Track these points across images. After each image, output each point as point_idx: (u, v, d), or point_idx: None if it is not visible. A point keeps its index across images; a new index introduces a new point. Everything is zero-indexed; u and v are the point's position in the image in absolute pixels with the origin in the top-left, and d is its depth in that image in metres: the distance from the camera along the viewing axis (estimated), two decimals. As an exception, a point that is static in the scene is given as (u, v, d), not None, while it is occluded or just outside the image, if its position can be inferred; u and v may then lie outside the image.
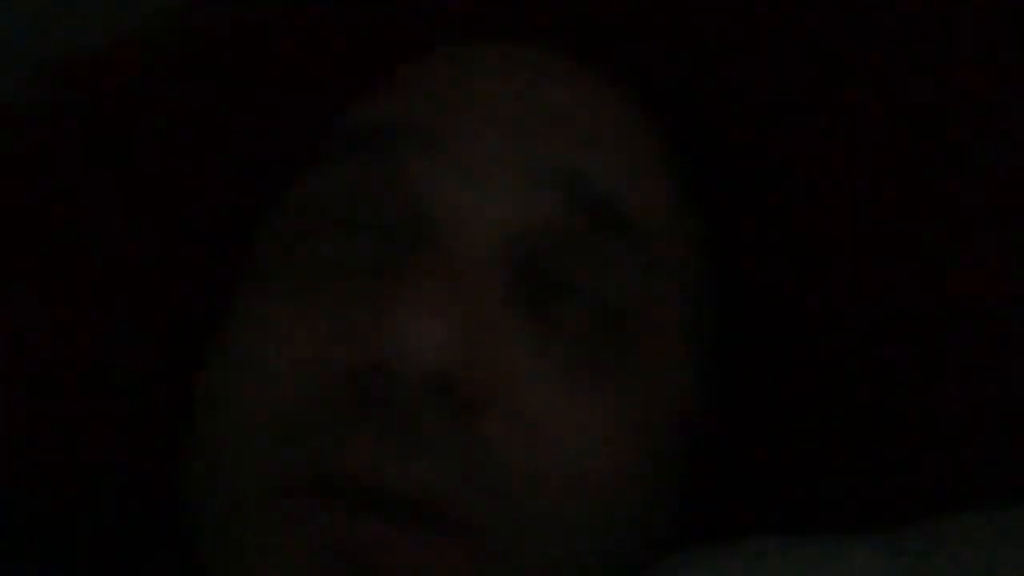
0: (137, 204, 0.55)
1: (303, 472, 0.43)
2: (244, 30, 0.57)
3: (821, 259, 0.51)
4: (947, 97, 0.50)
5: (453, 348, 0.41)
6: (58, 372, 0.53)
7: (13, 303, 0.54)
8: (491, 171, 0.46)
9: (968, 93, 0.50)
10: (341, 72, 0.54)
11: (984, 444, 0.48)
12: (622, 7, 0.53)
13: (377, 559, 0.41)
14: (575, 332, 0.45)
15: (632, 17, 0.53)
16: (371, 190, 0.46)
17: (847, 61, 0.51)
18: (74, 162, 0.56)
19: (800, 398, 0.51)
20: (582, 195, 0.46)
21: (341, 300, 0.45)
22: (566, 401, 0.44)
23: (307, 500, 0.42)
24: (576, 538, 0.44)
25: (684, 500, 0.49)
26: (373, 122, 0.48)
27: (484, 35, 0.52)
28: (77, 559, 0.52)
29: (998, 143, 0.49)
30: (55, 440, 0.53)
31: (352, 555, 0.41)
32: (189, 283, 0.55)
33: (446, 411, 0.42)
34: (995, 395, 0.48)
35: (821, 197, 0.51)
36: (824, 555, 0.43)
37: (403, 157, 0.46)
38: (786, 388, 0.52)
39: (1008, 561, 0.41)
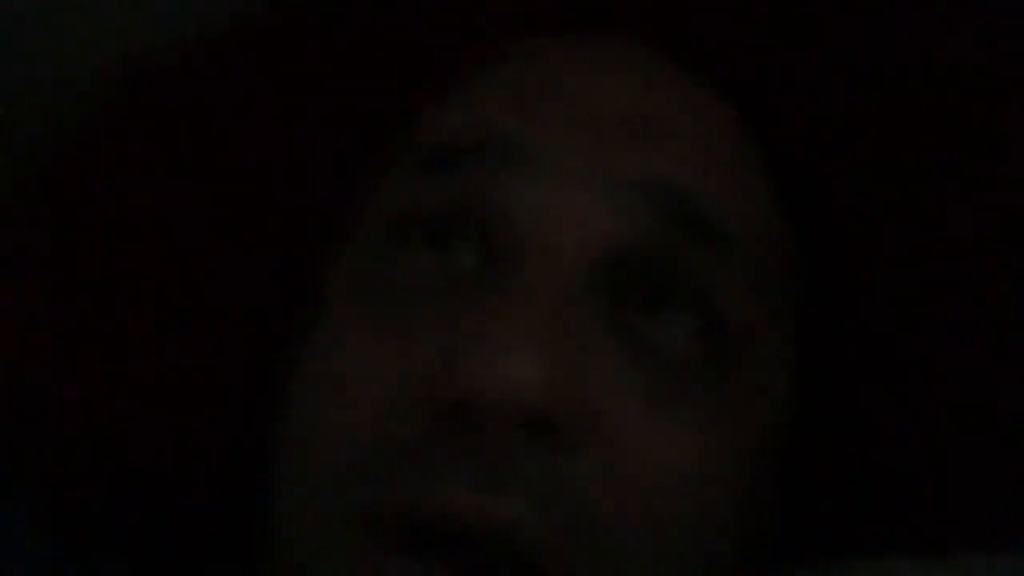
0: (213, 212, 0.53)
1: (386, 510, 0.41)
2: (310, 34, 0.55)
3: (923, 293, 0.49)
4: None
5: (547, 383, 0.40)
6: (125, 378, 0.51)
7: (87, 308, 0.52)
8: (584, 185, 0.44)
9: None
10: (410, 72, 0.52)
11: None
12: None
13: None
14: (672, 358, 0.44)
15: (728, 12, 0.51)
16: (460, 209, 0.44)
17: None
18: (149, 167, 0.54)
19: (887, 427, 0.49)
20: (679, 211, 0.44)
21: (429, 326, 0.43)
22: (659, 435, 0.43)
23: (386, 542, 0.41)
24: (662, 571, 0.42)
25: (772, 524, 0.48)
26: (459, 136, 0.46)
27: (557, 27, 0.50)
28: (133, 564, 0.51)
29: None
30: (119, 446, 0.51)
31: None
32: (265, 294, 0.53)
33: (536, 448, 0.41)
34: None
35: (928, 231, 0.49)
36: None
37: (493, 173, 0.44)
38: (873, 414, 0.50)
39: None
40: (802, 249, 0.49)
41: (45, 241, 0.53)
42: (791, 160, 0.49)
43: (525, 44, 0.49)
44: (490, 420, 0.40)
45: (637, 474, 0.42)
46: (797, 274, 0.49)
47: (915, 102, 0.49)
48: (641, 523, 0.42)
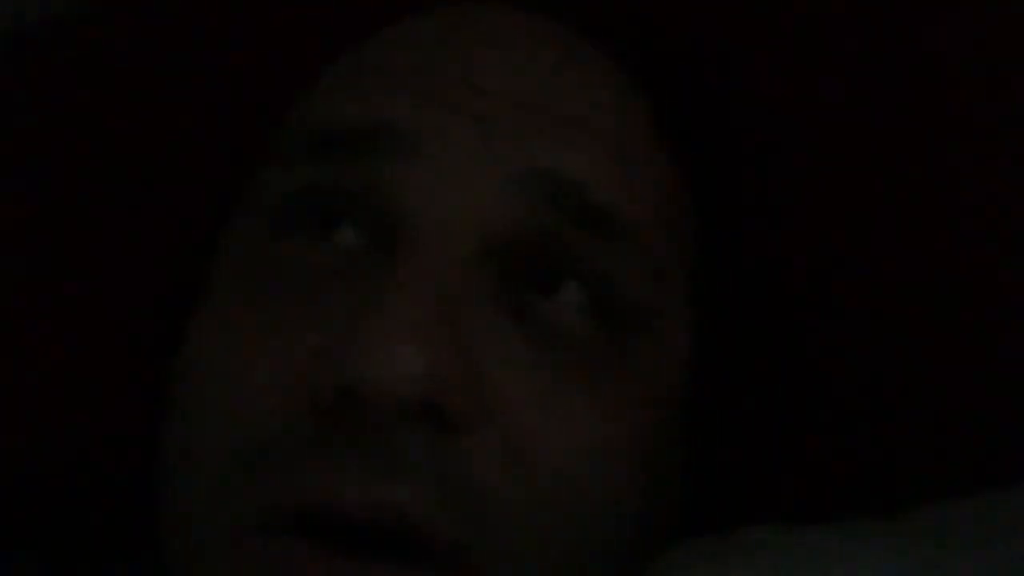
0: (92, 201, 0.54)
1: (269, 507, 0.41)
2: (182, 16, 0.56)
3: (820, 248, 0.50)
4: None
5: (431, 372, 0.39)
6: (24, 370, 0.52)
7: None
8: (470, 172, 0.43)
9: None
10: (290, 53, 0.52)
11: (984, 429, 0.48)
12: None
13: None
14: (566, 337, 0.44)
15: None
16: (344, 194, 0.44)
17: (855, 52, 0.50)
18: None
19: (795, 386, 0.50)
20: (564, 199, 0.44)
21: (312, 314, 0.43)
22: (556, 412, 0.42)
23: (273, 539, 0.40)
24: (571, 554, 0.42)
25: (684, 491, 0.48)
26: (345, 121, 0.45)
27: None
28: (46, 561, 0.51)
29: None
30: (29, 444, 0.51)
31: None
32: (153, 287, 0.53)
33: (422, 437, 0.40)
34: (992, 383, 0.48)
35: (819, 186, 0.50)
36: (827, 551, 0.42)
37: (378, 159, 0.44)
38: (781, 376, 0.51)
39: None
40: (698, 208, 0.49)
41: None
42: (688, 123, 0.50)
43: (414, 21, 0.48)
44: (377, 409, 0.39)
45: (534, 452, 0.42)
46: (695, 242, 0.49)
47: (815, 72, 0.51)
48: (539, 501, 0.42)
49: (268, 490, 0.41)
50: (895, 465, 0.49)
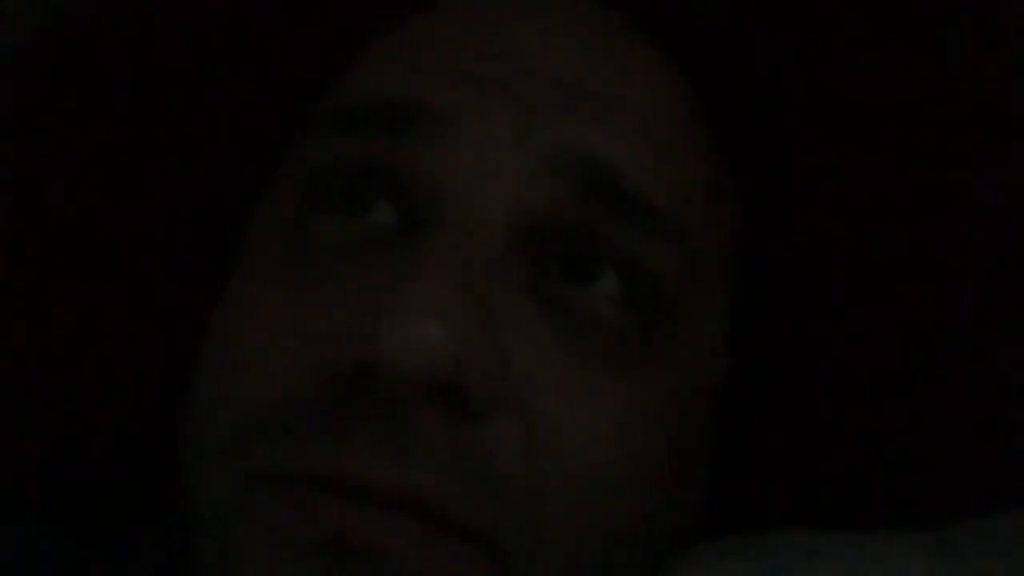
0: (133, 162, 0.53)
1: (285, 469, 0.40)
2: None
3: (865, 240, 0.48)
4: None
5: (455, 351, 0.39)
6: (46, 337, 0.51)
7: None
8: (505, 153, 0.43)
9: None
10: (329, 29, 0.52)
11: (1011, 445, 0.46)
12: None
13: (367, 544, 0.38)
14: (595, 323, 0.43)
15: None
16: (375, 171, 0.43)
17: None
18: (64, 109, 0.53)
19: (822, 384, 0.49)
20: (600, 184, 0.43)
21: (340, 287, 0.42)
22: (581, 401, 0.42)
23: (294, 490, 0.40)
24: (594, 539, 0.42)
25: (710, 484, 0.47)
26: (379, 98, 0.45)
27: None
28: (64, 526, 0.50)
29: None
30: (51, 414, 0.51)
31: (343, 543, 0.39)
32: (181, 260, 0.52)
33: (445, 416, 0.40)
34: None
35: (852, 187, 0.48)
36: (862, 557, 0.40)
37: (410, 137, 0.43)
38: (816, 372, 0.49)
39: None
40: (739, 201, 0.49)
41: None
42: (733, 117, 0.49)
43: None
44: (397, 386, 0.39)
45: (556, 440, 0.41)
46: (733, 230, 0.48)
47: (864, 58, 0.49)
48: (559, 490, 0.41)
49: (280, 455, 0.40)
50: (932, 476, 0.47)
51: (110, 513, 0.51)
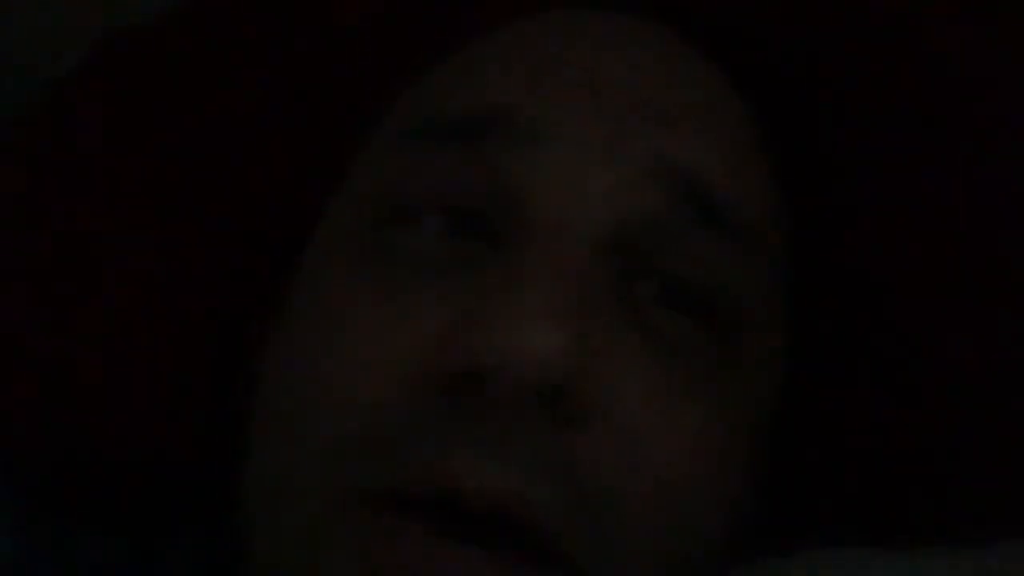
0: (182, 181, 0.53)
1: (380, 485, 0.40)
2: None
3: (918, 260, 0.49)
4: None
5: (564, 358, 0.39)
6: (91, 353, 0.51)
7: (55, 278, 0.52)
8: (593, 165, 0.43)
9: None
10: (405, 37, 0.52)
11: None
12: None
13: None
14: (678, 339, 0.43)
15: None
16: (467, 182, 0.44)
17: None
18: (118, 131, 0.54)
19: (882, 406, 0.49)
20: (691, 194, 0.44)
21: (435, 295, 0.42)
22: (668, 413, 0.42)
23: (384, 515, 0.40)
24: (666, 557, 0.42)
25: (764, 496, 0.48)
26: (460, 108, 0.45)
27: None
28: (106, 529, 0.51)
29: None
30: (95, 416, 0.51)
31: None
32: (233, 269, 0.53)
33: (548, 422, 0.40)
34: None
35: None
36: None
37: (502, 149, 0.44)
38: (857, 383, 0.50)
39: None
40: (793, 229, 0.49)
41: (9, 206, 0.53)
42: (793, 147, 0.50)
43: (538, 17, 0.48)
44: (505, 390, 0.39)
45: (647, 452, 0.42)
46: (791, 256, 0.49)
47: (910, 89, 0.50)
48: (647, 500, 0.41)
49: (380, 469, 0.40)
50: (984, 496, 0.48)
51: (152, 516, 0.52)
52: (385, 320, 0.42)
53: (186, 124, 0.54)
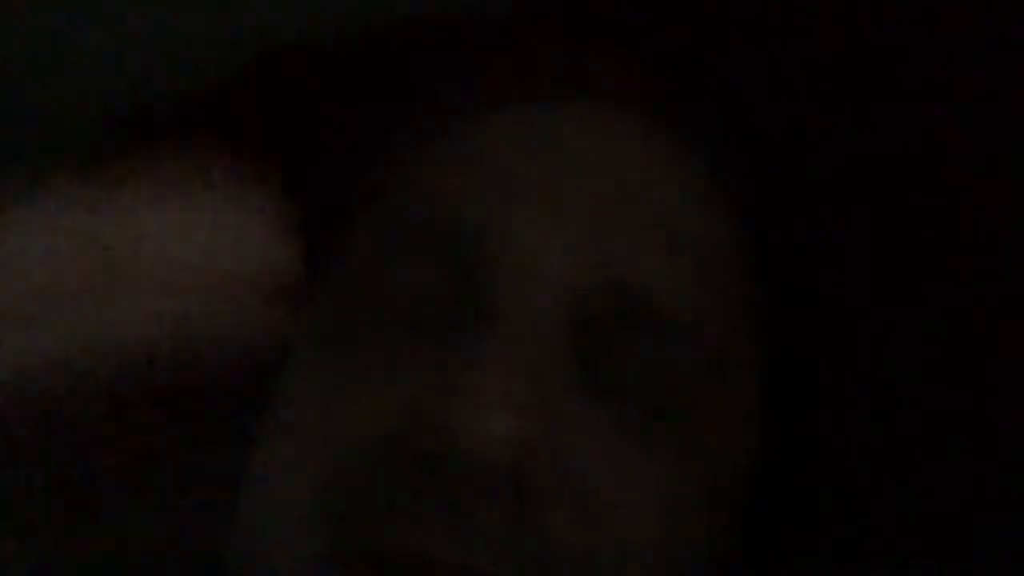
0: None
1: (354, 547, 0.42)
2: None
3: (897, 317, 0.51)
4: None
5: (523, 441, 0.42)
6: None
7: None
8: (556, 267, 0.45)
9: None
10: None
11: None
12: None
13: None
14: (631, 407, 0.45)
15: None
16: (440, 284, 0.46)
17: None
18: None
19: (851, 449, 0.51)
20: (631, 306, 0.46)
21: (405, 371, 0.44)
22: (630, 482, 0.44)
23: (347, 568, 0.42)
24: None
25: (736, 549, 0.49)
26: (443, 224, 0.47)
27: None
28: None
29: None
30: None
31: None
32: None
33: (507, 502, 0.42)
34: None
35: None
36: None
37: (468, 262, 0.46)
38: (835, 437, 0.51)
39: None
40: (767, 289, 0.50)
41: None
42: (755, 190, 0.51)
43: (505, 114, 0.50)
44: (464, 471, 0.41)
45: (609, 521, 0.43)
46: (763, 320, 0.50)
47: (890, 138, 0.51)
48: (608, 562, 0.43)
49: (350, 532, 0.42)
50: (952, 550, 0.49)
51: None
52: (356, 394, 0.45)
53: None
